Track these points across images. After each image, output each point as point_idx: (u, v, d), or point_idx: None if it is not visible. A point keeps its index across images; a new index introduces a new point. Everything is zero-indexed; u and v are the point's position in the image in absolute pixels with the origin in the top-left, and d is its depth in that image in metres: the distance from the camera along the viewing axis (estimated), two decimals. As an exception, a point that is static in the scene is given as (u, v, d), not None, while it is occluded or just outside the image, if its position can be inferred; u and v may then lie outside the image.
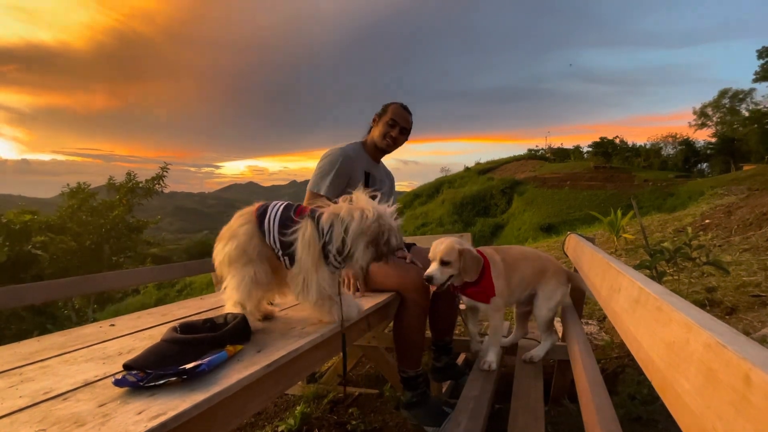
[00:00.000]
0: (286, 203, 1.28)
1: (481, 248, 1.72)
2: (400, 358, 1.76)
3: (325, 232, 1.19)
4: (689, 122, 44.60)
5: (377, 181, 2.06)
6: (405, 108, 2.05)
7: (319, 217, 1.20)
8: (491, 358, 1.73)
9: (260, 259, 1.22)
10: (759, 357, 0.37)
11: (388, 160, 2.24)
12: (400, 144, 2.07)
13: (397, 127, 2.00)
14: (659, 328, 0.60)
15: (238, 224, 1.23)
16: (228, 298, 1.20)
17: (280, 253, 1.23)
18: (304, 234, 1.18)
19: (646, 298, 0.70)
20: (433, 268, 1.54)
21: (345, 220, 1.19)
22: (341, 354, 1.29)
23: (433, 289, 1.59)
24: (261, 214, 1.24)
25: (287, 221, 1.21)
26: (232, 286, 1.19)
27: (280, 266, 1.28)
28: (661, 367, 0.57)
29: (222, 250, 1.21)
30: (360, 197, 1.28)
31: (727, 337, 0.43)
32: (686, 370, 0.48)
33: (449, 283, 1.60)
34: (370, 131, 2.07)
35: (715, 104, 41.84)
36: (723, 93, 40.88)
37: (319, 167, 1.91)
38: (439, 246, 1.58)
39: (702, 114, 43.09)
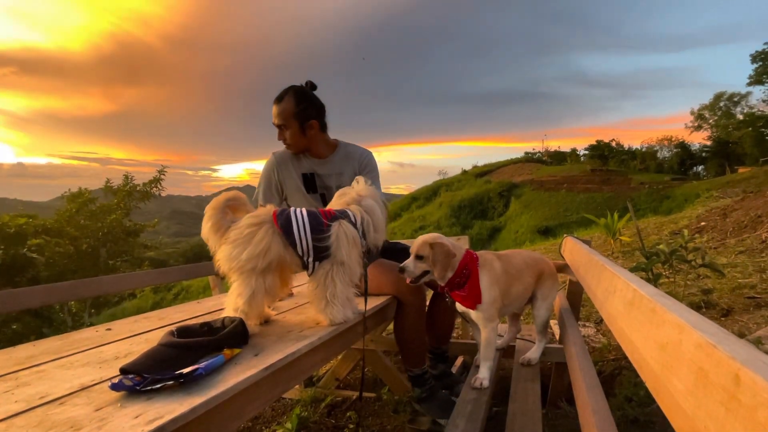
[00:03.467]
0: (303, 209, 1.26)
1: (481, 252, 1.69)
2: (405, 359, 1.81)
3: (359, 227, 1.28)
4: (686, 124, 44.85)
5: (327, 177, 1.89)
6: (276, 99, 1.78)
7: (348, 215, 1.29)
8: (484, 374, 1.66)
9: (275, 271, 1.22)
10: (748, 357, 0.38)
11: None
12: (295, 136, 1.80)
13: (277, 129, 1.81)
14: (653, 329, 0.61)
15: (257, 235, 1.16)
16: (229, 304, 1.19)
17: (311, 259, 1.22)
18: (346, 234, 1.23)
19: (640, 299, 0.70)
20: (408, 260, 1.58)
21: (371, 210, 1.34)
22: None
23: (408, 281, 1.58)
24: (285, 225, 1.20)
25: (319, 226, 1.22)
26: (240, 294, 1.16)
27: (283, 271, 1.30)
28: (654, 368, 0.57)
29: (236, 257, 1.14)
30: (360, 184, 1.42)
31: (718, 337, 0.43)
32: (678, 371, 0.49)
33: (426, 278, 1.59)
34: None
35: (711, 107, 42.18)
36: (719, 96, 41.25)
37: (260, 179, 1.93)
38: (417, 240, 1.61)
39: (698, 117, 43.42)
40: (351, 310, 1.32)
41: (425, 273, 1.57)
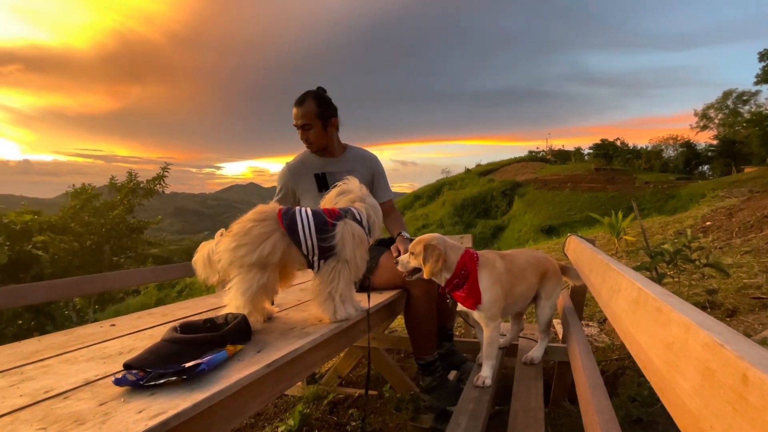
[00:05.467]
0: (308, 209, 1.27)
1: (483, 251, 1.69)
2: (415, 347, 1.85)
3: (365, 224, 1.29)
4: (690, 124, 44.38)
5: (339, 174, 1.93)
6: (297, 103, 1.91)
7: (353, 213, 1.29)
8: (486, 373, 1.66)
9: (274, 268, 1.21)
10: (756, 356, 0.37)
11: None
12: (318, 135, 1.93)
13: (298, 129, 1.94)
14: (658, 328, 0.60)
15: (258, 233, 1.16)
16: (231, 301, 1.19)
17: (316, 258, 1.22)
18: (353, 233, 1.24)
19: (646, 298, 0.70)
20: (404, 255, 1.65)
21: (375, 208, 1.36)
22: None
23: (404, 275, 1.66)
24: (290, 224, 1.20)
25: (324, 226, 1.22)
26: (238, 290, 1.16)
27: (286, 268, 1.30)
28: (660, 368, 0.57)
29: (234, 252, 1.14)
30: (352, 183, 1.42)
31: (726, 336, 0.43)
32: (685, 370, 0.48)
33: (419, 275, 1.61)
34: None
35: (718, 106, 41.65)
36: (727, 94, 40.58)
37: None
38: (417, 238, 1.65)
39: (704, 116, 42.91)
40: (353, 307, 1.32)
41: (418, 270, 1.61)
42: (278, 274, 1.25)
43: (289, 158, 2.14)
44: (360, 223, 1.28)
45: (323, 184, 1.99)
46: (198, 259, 1.23)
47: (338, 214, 1.27)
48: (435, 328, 1.85)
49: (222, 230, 1.23)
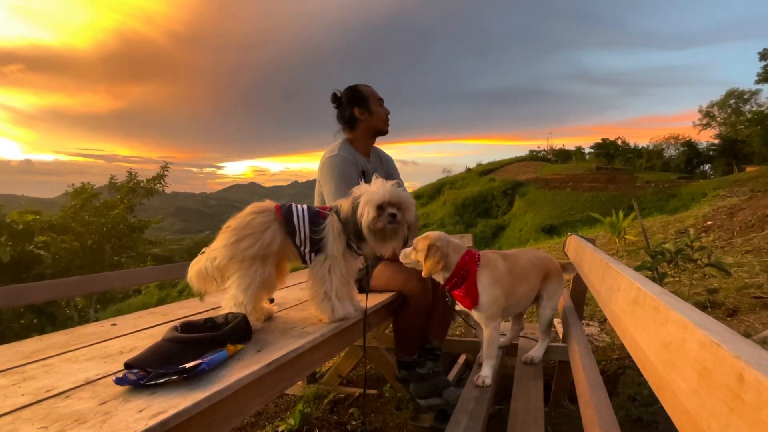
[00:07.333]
0: (303, 205, 1.32)
1: (485, 251, 1.69)
2: (398, 346, 1.87)
3: (346, 221, 1.29)
4: (693, 122, 44.22)
5: (369, 176, 1.91)
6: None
7: (339, 210, 1.31)
8: (486, 372, 1.67)
9: (273, 260, 1.24)
10: (752, 356, 0.37)
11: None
12: None
13: (382, 101, 2.02)
14: (656, 327, 0.61)
15: (259, 223, 1.18)
16: (230, 299, 1.20)
17: (308, 250, 1.25)
18: (333, 227, 1.27)
19: (644, 298, 0.70)
20: (407, 248, 1.64)
21: (358, 204, 1.33)
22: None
23: (402, 279, 1.67)
24: (287, 214, 1.25)
25: (316, 218, 1.27)
26: (240, 287, 1.17)
27: (281, 263, 1.32)
28: (658, 367, 0.57)
29: (236, 246, 1.14)
30: (376, 182, 1.40)
31: (722, 336, 0.43)
32: (682, 370, 0.49)
33: (417, 266, 1.62)
34: (354, 127, 1.98)
35: (722, 104, 41.46)
36: (730, 93, 40.43)
37: (330, 179, 1.85)
38: (422, 234, 1.65)
39: (707, 114, 42.76)
40: (352, 306, 1.32)
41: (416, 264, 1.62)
42: (275, 267, 1.28)
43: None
44: (339, 219, 1.33)
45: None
46: (193, 274, 1.23)
47: (328, 210, 1.33)
48: (420, 336, 1.84)
49: (204, 249, 1.25)
